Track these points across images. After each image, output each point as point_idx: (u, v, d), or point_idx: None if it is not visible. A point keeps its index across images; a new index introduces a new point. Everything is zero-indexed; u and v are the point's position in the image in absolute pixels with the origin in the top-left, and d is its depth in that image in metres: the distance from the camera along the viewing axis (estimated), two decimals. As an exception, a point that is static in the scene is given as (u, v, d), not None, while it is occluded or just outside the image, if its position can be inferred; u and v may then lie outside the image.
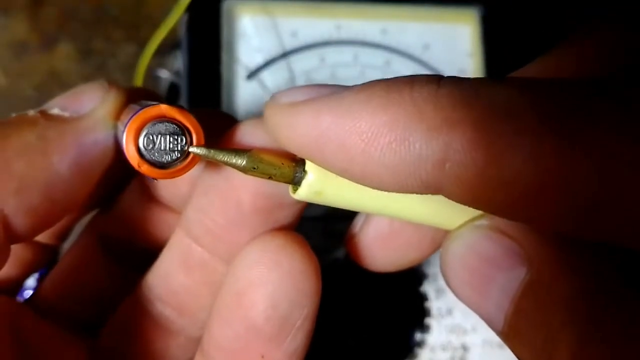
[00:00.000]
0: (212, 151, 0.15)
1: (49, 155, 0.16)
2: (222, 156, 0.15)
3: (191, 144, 0.16)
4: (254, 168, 0.15)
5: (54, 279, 0.21)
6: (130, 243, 0.21)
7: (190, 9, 0.30)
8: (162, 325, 0.19)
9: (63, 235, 0.21)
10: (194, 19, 0.30)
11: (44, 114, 0.17)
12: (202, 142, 0.16)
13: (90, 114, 0.17)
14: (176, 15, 0.29)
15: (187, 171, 0.16)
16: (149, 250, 0.20)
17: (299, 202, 0.17)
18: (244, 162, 0.15)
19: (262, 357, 0.17)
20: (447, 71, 0.32)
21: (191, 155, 0.16)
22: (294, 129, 0.14)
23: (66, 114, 0.17)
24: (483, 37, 0.33)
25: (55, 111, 0.17)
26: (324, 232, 0.28)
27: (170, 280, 0.19)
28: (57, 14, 0.41)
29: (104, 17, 0.41)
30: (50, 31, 0.41)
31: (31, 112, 0.17)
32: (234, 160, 0.15)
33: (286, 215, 0.18)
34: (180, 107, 0.16)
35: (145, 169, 0.15)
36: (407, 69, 0.32)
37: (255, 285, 0.16)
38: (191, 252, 0.18)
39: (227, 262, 0.18)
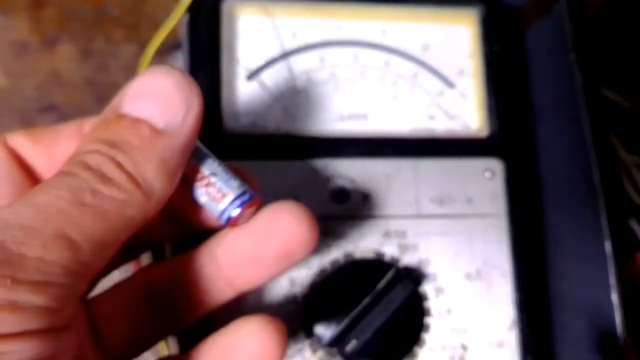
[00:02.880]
0: None
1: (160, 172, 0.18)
2: None
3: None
4: None
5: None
6: (172, 299, 0.22)
7: (190, 9, 0.30)
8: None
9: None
10: (194, 20, 0.30)
11: (154, 130, 0.18)
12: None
13: (184, 128, 0.19)
14: (177, 16, 0.29)
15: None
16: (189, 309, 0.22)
17: None
18: None
19: None
20: (447, 71, 0.33)
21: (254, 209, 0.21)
22: None
23: (169, 129, 0.18)
24: (483, 37, 0.33)
25: (161, 125, 0.18)
26: (324, 232, 0.28)
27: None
28: (58, 14, 0.42)
29: (105, 18, 0.42)
30: (51, 31, 0.41)
31: (136, 115, 0.18)
32: None
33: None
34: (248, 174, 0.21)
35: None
36: (406, 69, 0.32)
37: None
38: None
39: None
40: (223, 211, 0.20)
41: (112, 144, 0.18)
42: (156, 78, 0.19)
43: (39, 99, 0.41)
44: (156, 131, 0.18)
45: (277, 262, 0.21)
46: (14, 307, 0.14)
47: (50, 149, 0.21)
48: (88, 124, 0.21)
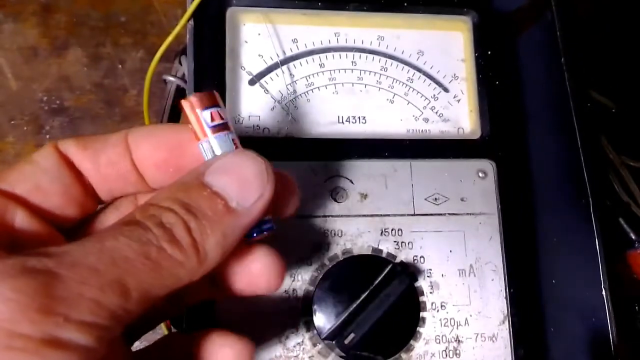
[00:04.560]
0: None
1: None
2: None
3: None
4: None
5: None
6: None
7: (195, 16, 0.30)
8: None
9: None
10: (199, 26, 0.30)
11: (228, 207, 0.20)
12: None
13: (251, 211, 0.20)
14: (182, 23, 0.30)
15: None
16: None
17: None
18: None
19: None
20: (441, 76, 0.33)
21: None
22: None
23: (239, 209, 0.20)
24: (476, 43, 0.34)
25: (234, 205, 0.20)
26: (323, 229, 0.29)
27: None
28: (67, 20, 0.42)
29: (113, 24, 0.42)
30: (60, 37, 0.42)
31: (216, 189, 0.20)
32: None
33: None
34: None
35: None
36: (402, 74, 0.33)
37: None
38: None
39: None
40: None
41: (188, 208, 0.19)
42: (243, 161, 0.20)
43: (49, 102, 0.41)
44: (229, 208, 0.19)
45: (239, 293, 0.23)
46: (59, 344, 0.15)
47: (97, 155, 0.22)
48: (133, 133, 0.22)
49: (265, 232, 0.22)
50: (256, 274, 0.22)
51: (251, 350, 0.22)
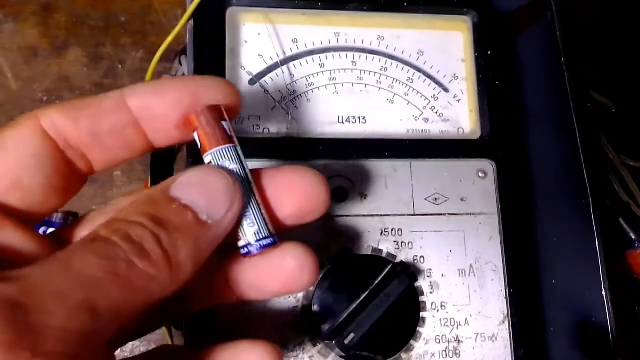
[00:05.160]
0: None
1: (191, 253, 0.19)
2: None
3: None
4: None
5: None
6: None
7: (195, 16, 0.30)
8: None
9: None
10: (199, 26, 0.30)
11: (198, 219, 0.19)
12: None
13: (222, 224, 0.19)
14: (182, 23, 0.30)
15: None
16: None
17: None
18: None
19: None
20: (441, 76, 0.33)
21: None
22: None
23: (209, 221, 0.19)
24: (476, 43, 0.34)
25: (204, 217, 0.19)
26: (323, 229, 0.29)
27: None
28: (67, 20, 0.42)
29: (113, 24, 0.42)
30: (60, 37, 0.42)
31: (185, 202, 0.19)
32: None
33: None
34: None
35: None
36: (402, 74, 0.33)
37: None
38: None
39: None
40: (246, 245, 0.21)
41: (157, 221, 0.18)
42: (210, 175, 0.20)
43: (49, 102, 0.41)
44: (199, 221, 0.19)
45: (276, 294, 0.22)
46: None
47: (95, 126, 0.20)
48: (132, 96, 0.20)
49: (264, 248, 0.21)
50: (290, 269, 0.21)
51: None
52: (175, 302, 0.22)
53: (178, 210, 0.19)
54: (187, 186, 0.19)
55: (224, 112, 0.22)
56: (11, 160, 0.19)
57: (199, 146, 0.21)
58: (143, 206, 0.19)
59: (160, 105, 0.21)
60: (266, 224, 0.21)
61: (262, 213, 0.21)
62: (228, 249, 0.22)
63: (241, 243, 0.21)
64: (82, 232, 0.21)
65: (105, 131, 0.20)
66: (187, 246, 0.18)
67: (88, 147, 0.20)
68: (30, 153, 0.19)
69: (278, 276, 0.22)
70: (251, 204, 0.21)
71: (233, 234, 0.21)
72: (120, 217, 0.18)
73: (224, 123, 0.21)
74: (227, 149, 0.21)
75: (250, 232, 0.21)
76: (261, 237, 0.21)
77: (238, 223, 0.21)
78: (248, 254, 0.21)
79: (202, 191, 0.19)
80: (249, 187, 0.21)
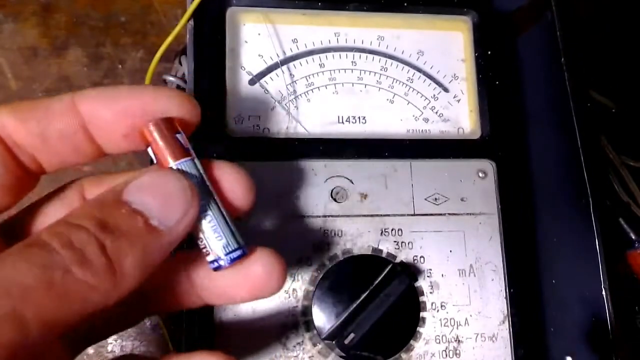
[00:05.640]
0: None
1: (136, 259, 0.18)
2: None
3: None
4: None
5: None
6: None
7: (195, 16, 0.30)
8: None
9: None
10: (199, 26, 0.31)
11: (148, 225, 0.18)
12: None
13: (175, 230, 0.19)
14: (182, 23, 0.30)
15: None
16: None
17: None
18: None
19: None
20: (441, 76, 0.33)
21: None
22: None
23: (161, 227, 0.18)
24: (476, 43, 0.34)
25: (155, 223, 0.18)
26: (323, 229, 0.29)
27: None
28: (67, 20, 0.42)
29: (113, 24, 0.42)
30: (60, 37, 0.42)
31: (136, 207, 0.18)
32: None
33: None
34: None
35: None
36: (402, 74, 0.33)
37: None
38: None
39: None
40: (215, 260, 0.21)
41: (103, 226, 0.17)
42: (165, 179, 0.19)
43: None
44: (150, 227, 0.18)
45: (245, 299, 0.22)
46: None
47: (42, 128, 0.19)
48: (82, 101, 0.20)
49: (235, 261, 0.21)
50: (257, 277, 0.21)
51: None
52: (135, 304, 0.22)
53: (127, 215, 0.18)
54: (140, 189, 0.19)
55: (177, 125, 0.21)
56: None
57: (155, 162, 0.21)
58: (91, 209, 0.18)
59: (108, 114, 0.20)
60: (234, 235, 0.21)
61: (228, 224, 0.21)
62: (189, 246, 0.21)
63: (210, 258, 0.21)
64: (51, 210, 0.21)
65: (54, 134, 0.20)
66: (134, 254, 0.17)
67: (36, 148, 0.20)
68: None
69: (245, 284, 0.21)
70: (215, 216, 0.20)
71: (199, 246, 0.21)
72: (66, 219, 0.18)
73: (178, 136, 0.20)
74: (183, 164, 0.20)
75: (218, 246, 0.20)
76: (230, 249, 0.21)
77: (199, 234, 0.20)
78: (218, 268, 0.21)
79: (156, 195, 0.19)
80: (211, 199, 0.21)
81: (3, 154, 0.19)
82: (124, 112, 0.20)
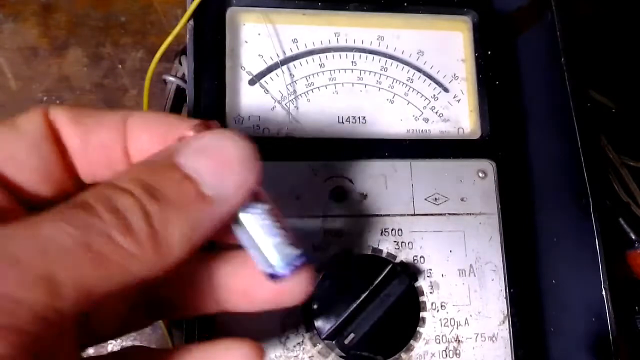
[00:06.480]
0: None
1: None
2: None
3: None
4: None
5: None
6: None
7: (195, 16, 0.30)
8: None
9: None
10: (199, 26, 0.31)
11: (200, 193, 0.17)
12: None
13: (230, 201, 0.17)
14: (182, 23, 0.30)
15: None
16: None
17: None
18: None
19: None
20: (441, 76, 0.33)
21: None
22: None
23: (214, 197, 0.17)
24: (476, 43, 0.34)
25: (208, 191, 0.17)
26: (323, 229, 0.29)
27: None
28: (67, 20, 0.42)
29: (113, 24, 0.42)
30: (60, 37, 0.42)
31: (188, 171, 0.17)
32: None
33: None
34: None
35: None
36: (402, 74, 0.33)
37: None
38: None
39: None
40: (273, 266, 0.19)
41: (151, 192, 0.16)
42: (225, 142, 0.17)
43: (49, 102, 0.41)
44: (202, 196, 0.17)
45: (265, 305, 0.21)
46: None
47: (88, 134, 0.19)
48: (133, 119, 0.19)
49: (298, 268, 0.18)
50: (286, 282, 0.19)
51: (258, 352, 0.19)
52: (152, 306, 0.21)
53: (179, 181, 0.16)
54: (198, 153, 0.17)
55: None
56: (15, 135, 0.18)
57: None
58: (140, 171, 0.17)
59: (146, 137, 0.19)
60: (293, 239, 0.19)
61: (284, 227, 0.19)
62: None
63: (265, 266, 0.19)
64: None
65: (96, 143, 0.19)
66: (181, 225, 0.16)
67: (76, 151, 0.19)
68: (33, 132, 0.18)
69: (271, 286, 0.19)
70: (271, 218, 0.19)
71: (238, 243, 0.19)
72: (114, 181, 0.16)
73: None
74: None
75: (275, 253, 0.18)
76: (292, 256, 0.18)
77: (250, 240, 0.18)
78: (276, 278, 0.19)
79: (212, 159, 0.17)
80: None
81: (51, 142, 0.19)
82: (158, 136, 0.19)
